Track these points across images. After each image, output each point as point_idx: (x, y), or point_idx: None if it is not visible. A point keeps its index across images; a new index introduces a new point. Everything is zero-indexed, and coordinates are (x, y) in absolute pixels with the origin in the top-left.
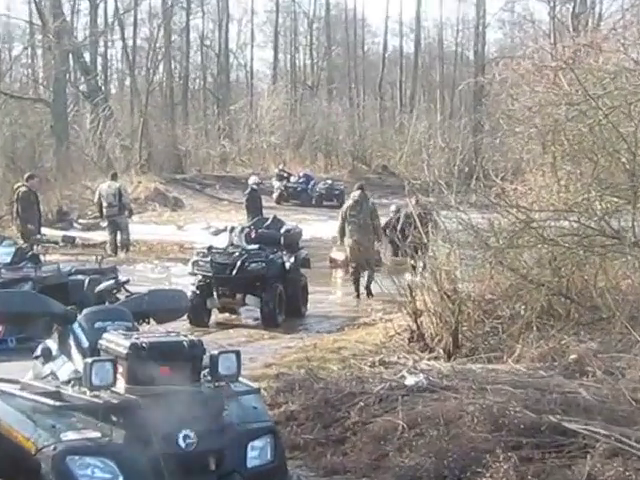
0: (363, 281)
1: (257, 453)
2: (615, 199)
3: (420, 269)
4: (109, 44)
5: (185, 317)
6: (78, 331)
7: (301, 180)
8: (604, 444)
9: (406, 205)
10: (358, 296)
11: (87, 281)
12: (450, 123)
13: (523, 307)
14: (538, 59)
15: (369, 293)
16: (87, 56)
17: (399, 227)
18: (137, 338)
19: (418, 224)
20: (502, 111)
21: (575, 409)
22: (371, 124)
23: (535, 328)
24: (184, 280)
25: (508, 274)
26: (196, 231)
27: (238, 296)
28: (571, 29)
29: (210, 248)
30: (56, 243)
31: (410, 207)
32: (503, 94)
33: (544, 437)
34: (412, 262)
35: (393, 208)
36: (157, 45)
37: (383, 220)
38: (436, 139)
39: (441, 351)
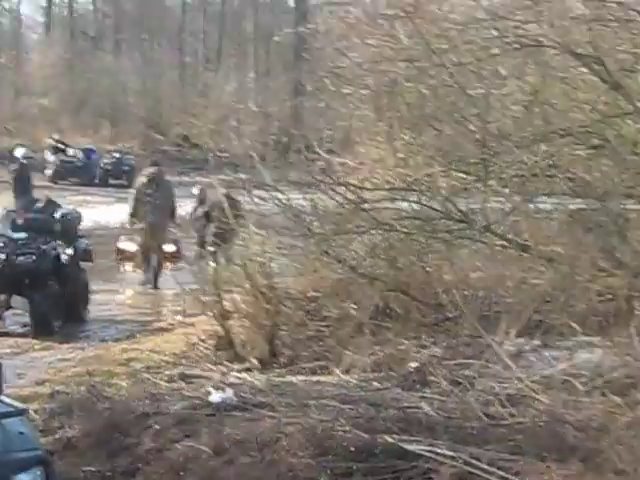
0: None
1: None
2: (463, 175)
3: (222, 260)
4: None
5: None
6: None
7: (81, 154)
8: (450, 468)
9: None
10: (155, 287)
11: None
12: (265, 83)
13: (353, 306)
14: (371, 6)
15: (155, 285)
16: None
17: (202, 211)
18: None
19: (226, 207)
20: (327, 69)
21: (416, 427)
22: (169, 85)
23: (368, 332)
24: None
25: (335, 266)
26: None
27: (1, 297)
28: None
29: None
30: None
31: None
32: (328, 48)
33: (379, 461)
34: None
35: (196, 191)
36: None
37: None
38: (248, 102)
39: (254, 361)
